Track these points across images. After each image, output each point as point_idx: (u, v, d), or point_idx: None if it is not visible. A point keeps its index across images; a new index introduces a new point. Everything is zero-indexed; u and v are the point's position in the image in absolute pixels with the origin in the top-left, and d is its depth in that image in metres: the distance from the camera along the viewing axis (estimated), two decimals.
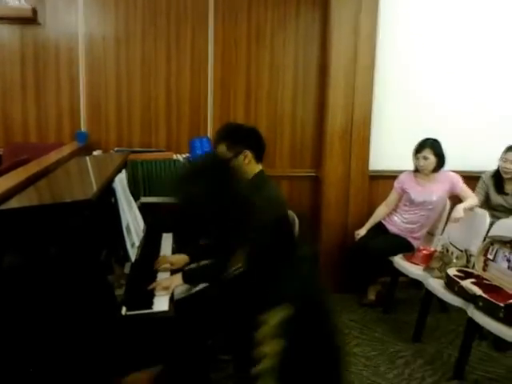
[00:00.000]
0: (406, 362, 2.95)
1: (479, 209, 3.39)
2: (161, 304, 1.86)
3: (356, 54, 3.64)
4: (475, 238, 3.14)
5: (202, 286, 2.30)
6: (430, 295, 3.10)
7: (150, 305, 1.84)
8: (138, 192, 3.26)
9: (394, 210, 3.65)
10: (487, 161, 3.66)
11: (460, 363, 2.78)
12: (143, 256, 2.20)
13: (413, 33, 3.82)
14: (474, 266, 2.90)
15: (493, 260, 2.81)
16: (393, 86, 3.85)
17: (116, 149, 3.64)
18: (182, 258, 2.31)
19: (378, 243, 3.46)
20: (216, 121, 3.76)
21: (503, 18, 3.85)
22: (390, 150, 3.89)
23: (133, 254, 2.07)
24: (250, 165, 2.25)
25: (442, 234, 3.50)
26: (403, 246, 3.49)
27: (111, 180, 2.11)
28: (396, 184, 3.61)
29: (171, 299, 1.93)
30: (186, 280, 2.07)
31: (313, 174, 3.93)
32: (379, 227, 3.63)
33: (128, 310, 1.77)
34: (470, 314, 2.63)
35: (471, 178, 3.68)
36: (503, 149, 3.56)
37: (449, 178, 3.47)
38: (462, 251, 3.11)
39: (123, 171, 2.45)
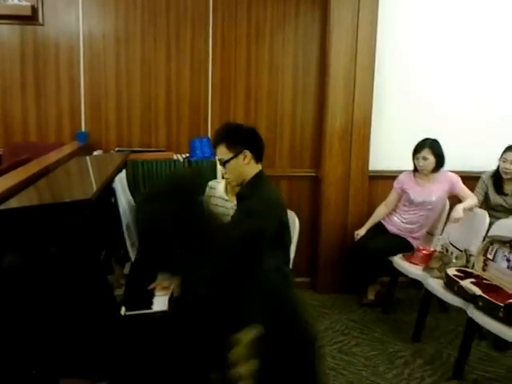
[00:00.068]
0: (405, 362, 2.95)
1: (479, 209, 3.40)
2: (160, 304, 1.87)
3: (356, 54, 3.64)
4: (475, 238, 3.15)
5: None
6: (429, 295, 3.10)
7: (149, 305, 1.85)
8: (138, 192, 3.26)
9: (394, 210, 3.65)
10: (487, 161, 3.66)
11: (459, 363, 2.78)
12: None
13: (412, 33, 3.82)
14: (473, 266, 2.91)
15: (492, 260, 2.81)
16: (393, 85, 3.85)
17: (116, 149, 3.64)
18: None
19: (377, 243, 3.47)
20: (216, 121, 3.75)
21: (503, 17, 3.86)
22: (389, 150, 3.89)
23: (133, 253, 2.07)
24: (249, 165, 2.25)
25: (441, 234, 3.50)
26: (403, 246, 3.50)
27: (111, 180, 2.12)
28: (395, 184, 3.61)
29: (171, 299, 1.93)
30: None
31: (312, 174, 3.93)
32: (379, 227, 3.63)
33: (127, 309, 1.77)
34: (469, 313, 2.63)
35: (471, 178, 3.68)
36: (503, 149, 3.56)
37: (448, 178, 3.48)
38: (461, 251, 3.11)
39: (123, 171, 2.45)
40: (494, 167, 3.63)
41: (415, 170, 3.53)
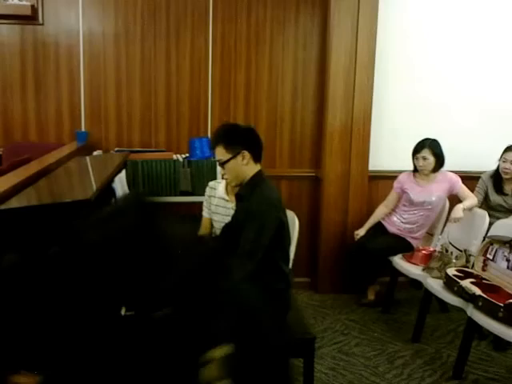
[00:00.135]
0: (405, 362, 2.95)
1: (479, 209, 3.40)
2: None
3: (356, 54, 3.64)
4: (474, 238, 3.15)
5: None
6: (429, 295, 3.10)
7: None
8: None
9: (394, 210, 3.65)
10: (487, 161, 3.66)
11: (459, 363, 2.78)
12: None
13: (412, 33, 3.82)
14: (473, 266, 2.91)
15: (492, 260, 2.81)
16: (393, 86, 3.85)
17: (116, 149, 3.64)
18: None
19: (377, 243, 3.47)
20: (216, 121, 3.75)
21: (503, 17, 3.86)
22: (389, 151, 3.90)
23: None
24: (248, 165, 2.24)
25: (441, 234, 3.51)
26: (402, 246, 3.50)
27: (111, 180, 2.12)
28: (395, 184, 3.61)
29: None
30: None
31: (312, 174, 3.93)
32: (378, 227, 3.63)
33: (127, 310, 1.77)
34: (469, 313, 2.63)
35: (471, 178, 3.68)
36: (503, 149, 3.56)
37: (448, 178, 3.48)
38: (461, 251, 3.11)
39: (123, 171, 2.46)
40: (494, 167, 3.63)
41: (415, 170, 3.53)
